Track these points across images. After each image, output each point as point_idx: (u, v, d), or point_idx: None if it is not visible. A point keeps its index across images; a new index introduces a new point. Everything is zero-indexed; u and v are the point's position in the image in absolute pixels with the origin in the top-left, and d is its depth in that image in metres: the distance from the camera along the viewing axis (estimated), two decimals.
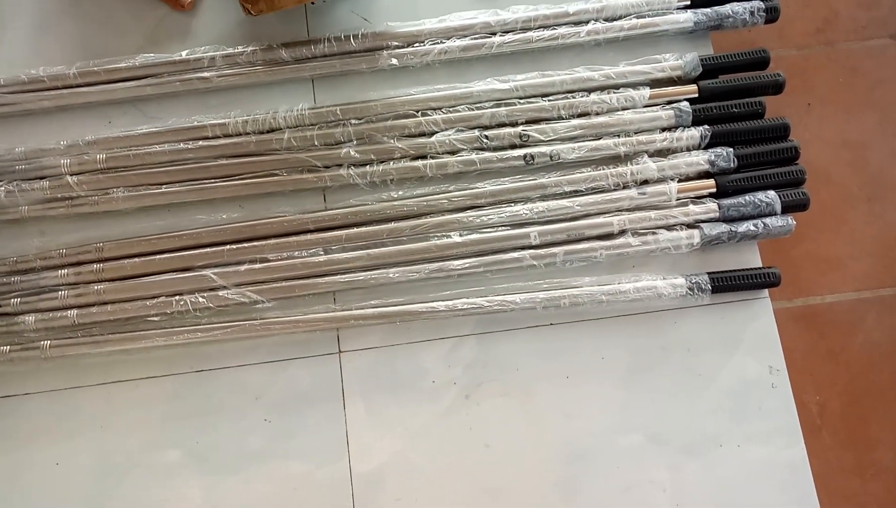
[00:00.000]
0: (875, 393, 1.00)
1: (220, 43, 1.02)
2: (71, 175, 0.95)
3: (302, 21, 1.06)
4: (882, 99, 1.11)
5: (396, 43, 1.02)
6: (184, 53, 1.00)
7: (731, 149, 0.98)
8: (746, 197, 0.97)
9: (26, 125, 0.99)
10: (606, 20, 1.04)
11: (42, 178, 0.95)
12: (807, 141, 1.07)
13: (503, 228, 0.96)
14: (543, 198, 0.98)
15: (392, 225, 0.96)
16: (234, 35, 1.04)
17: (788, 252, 1.04)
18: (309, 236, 0.95)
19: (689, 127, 1.00)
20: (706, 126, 0.99)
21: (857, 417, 0.99)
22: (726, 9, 1.04)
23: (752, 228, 0.95)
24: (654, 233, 0.96)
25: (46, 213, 0.95)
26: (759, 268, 0.98)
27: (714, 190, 0.98)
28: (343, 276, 0.94)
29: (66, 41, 1.03)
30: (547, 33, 1.03)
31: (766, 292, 0.99)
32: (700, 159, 0.98)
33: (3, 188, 0.94)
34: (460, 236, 0.96)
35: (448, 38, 1.03)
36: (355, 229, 0.96)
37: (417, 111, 1.00)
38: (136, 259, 0.93)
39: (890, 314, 1.03)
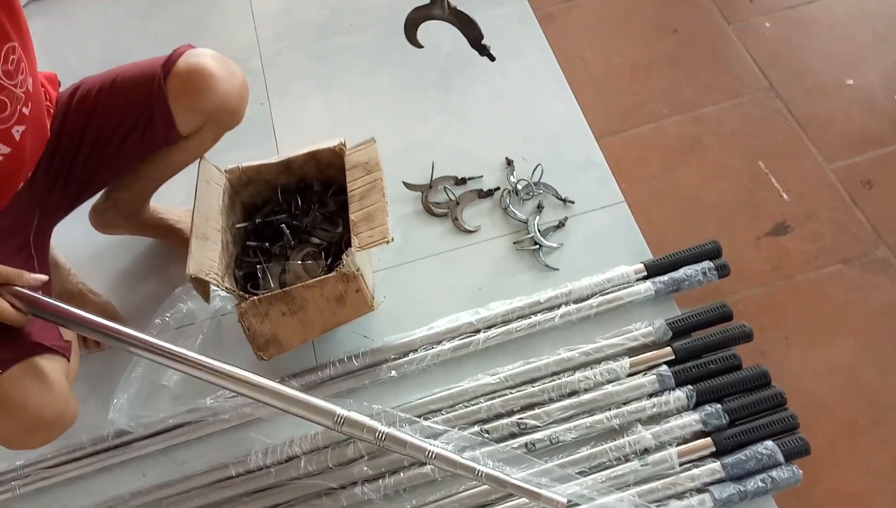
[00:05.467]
0: None
1: None
2: None
3: (310, 349, 1.19)
4: (853, 321, 1.17)
5: (394, 355, 1.14)
6: (208, 401, 1.12)
7: (720, 405, 1.03)
8: (747, 451, 0.99)
9: (70, 491, 1.09)
10: (576, 302, 1.16)
11: None
12: (794, 373, 1.11)
13: None
14: (550, 482, 1.01)
15: None
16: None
17: (810, 492, 1.02)
18: None
19: (673, 389, 1.05)
20: (690, 386, 1.05)
21: None
22: (680, 274, 1.15)
23: (761, 484, 0.96)
24: (664, 505, 0.97)
25: None
26: None
27: (714, 449, 1.00)
28: None
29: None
30: (525, 323, 1.15)
31: None
32: (692, 420, 1.02)
33: None
34: None
35: (438, 343, 1.15)
36: None
37: (419, 416, 1.08)
38: None
39: None
